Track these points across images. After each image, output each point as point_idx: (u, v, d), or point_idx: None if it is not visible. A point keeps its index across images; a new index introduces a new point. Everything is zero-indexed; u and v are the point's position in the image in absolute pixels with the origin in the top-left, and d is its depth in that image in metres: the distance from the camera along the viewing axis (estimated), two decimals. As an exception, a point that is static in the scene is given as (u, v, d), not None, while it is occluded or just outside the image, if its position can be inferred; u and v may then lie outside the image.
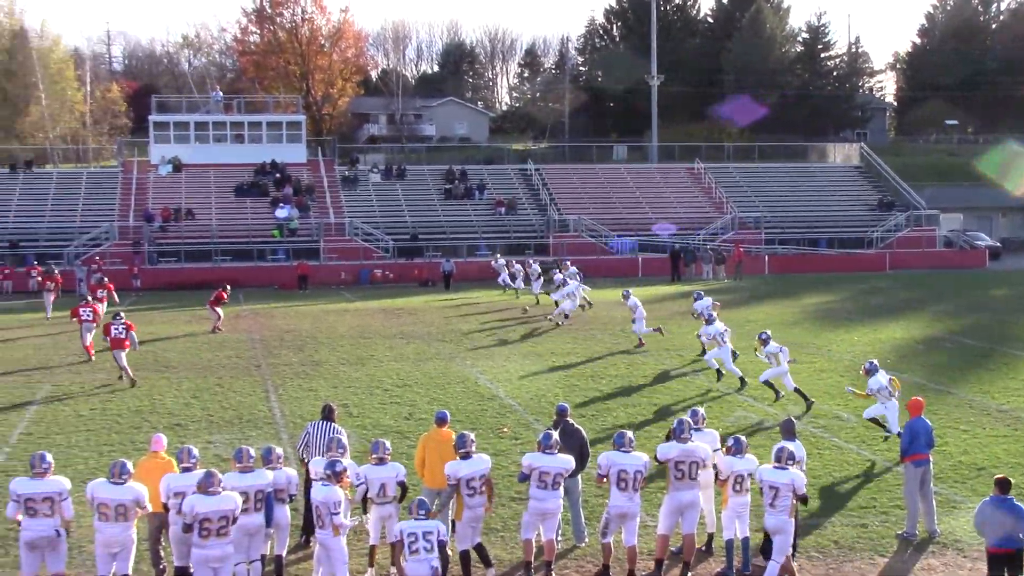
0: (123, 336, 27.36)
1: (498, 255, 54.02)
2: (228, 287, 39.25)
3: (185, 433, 21.29)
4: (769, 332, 24.88)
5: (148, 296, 46.63)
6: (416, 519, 12.24)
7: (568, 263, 48.65)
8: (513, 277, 48.77)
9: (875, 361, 20.56)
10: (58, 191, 65.93)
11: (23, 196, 64.97)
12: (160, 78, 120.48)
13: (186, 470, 12.97)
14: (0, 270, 54.83)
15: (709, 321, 27.38)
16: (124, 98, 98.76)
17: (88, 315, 30.80)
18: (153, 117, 71.22)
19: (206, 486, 12.13)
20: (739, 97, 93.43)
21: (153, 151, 69.98)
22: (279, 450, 13.88)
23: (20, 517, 12.55)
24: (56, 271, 44.38)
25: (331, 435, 14.66)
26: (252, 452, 13.40)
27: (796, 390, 23.81)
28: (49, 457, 12.89)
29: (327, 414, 15.48)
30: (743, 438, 14.21)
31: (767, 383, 23.99)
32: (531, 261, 50.82)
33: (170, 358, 31.19)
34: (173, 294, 51.78)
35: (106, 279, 38.88)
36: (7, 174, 67.88)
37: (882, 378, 19.71)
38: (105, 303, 37.69)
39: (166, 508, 12.88)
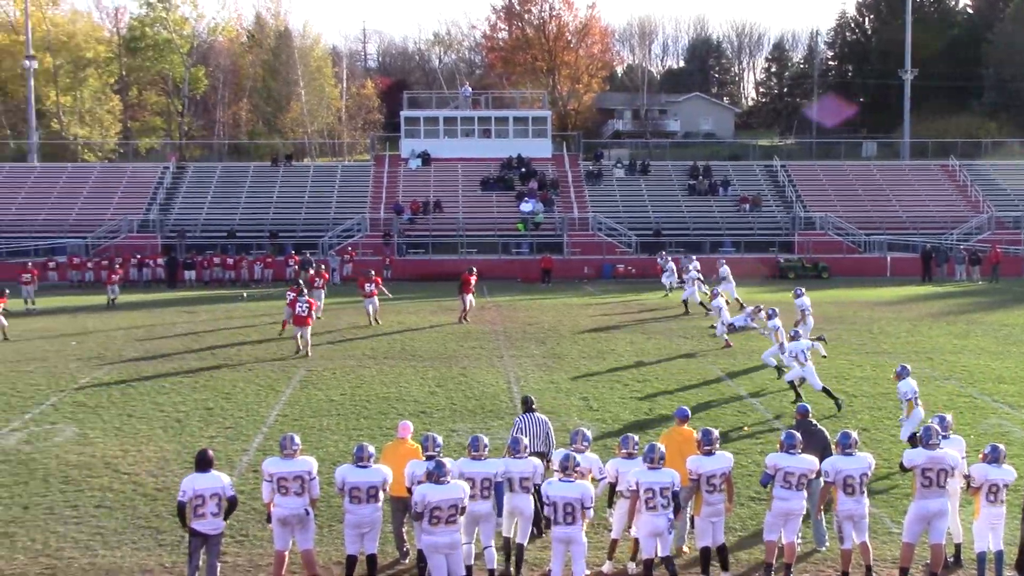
0: (306, 314, 30.43)
1: (663, 252, 52.86)
2: (474, 268, 39.56)
3: (430, 421, 21.76)
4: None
5: (396, 286, 47.93)
6: (651, 468, 12.74)
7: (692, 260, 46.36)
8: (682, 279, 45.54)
9: None
10: (315, 184, 68.63)
11: (283, 188, 67.89)
12: (412, 74, 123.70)
13: (430, 458, 13.23)
14: (261, 259, 57.39)
15: (795, 337, 24.58)
16: (378, 94, 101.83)
17: (303, 309, 31.09)
18: (404, 113, 73.25)
19: (437, 476, 12.36)
20: (998, 90, 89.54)
21: (404, 145, 71.95)
22: (526, 440, 14.03)
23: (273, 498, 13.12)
24: (322, 267, 44.70)
25: (540, 427, 15.13)
26: (486, 441, 13.62)
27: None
28: (298, 439, 13.40)
29: (529, 406, 15.68)
30: (1001, 446, 13.48)
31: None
32: (693, 258, 47.89)
33: (416, 347, 31.95)
34: (420, 285, 53.08)
35: (373, 272, 39.28)
36: (269, 167, 71.14)
37: None
38: (317, 296, 38.34)
39: (410, 493, 13.17)
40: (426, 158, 70.17)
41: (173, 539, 14.62)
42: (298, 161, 76.94)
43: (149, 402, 23.99)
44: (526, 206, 63.97)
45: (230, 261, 56.94)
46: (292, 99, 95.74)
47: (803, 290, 31.95)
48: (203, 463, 12.80)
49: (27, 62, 75.93)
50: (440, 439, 13.68)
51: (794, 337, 24.39)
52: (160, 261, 57.20)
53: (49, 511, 16.11)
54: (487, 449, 13.55)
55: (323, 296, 39.48)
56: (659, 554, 12.93)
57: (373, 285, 36.96)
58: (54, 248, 59.75)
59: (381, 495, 13.03)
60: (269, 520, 13.25)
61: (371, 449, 13.23)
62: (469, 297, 37.90)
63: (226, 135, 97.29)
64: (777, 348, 26.13)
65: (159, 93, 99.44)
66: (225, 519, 12.79)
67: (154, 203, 65.75)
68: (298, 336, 30.67)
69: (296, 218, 64.24)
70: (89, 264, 56.58)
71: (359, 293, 37.95)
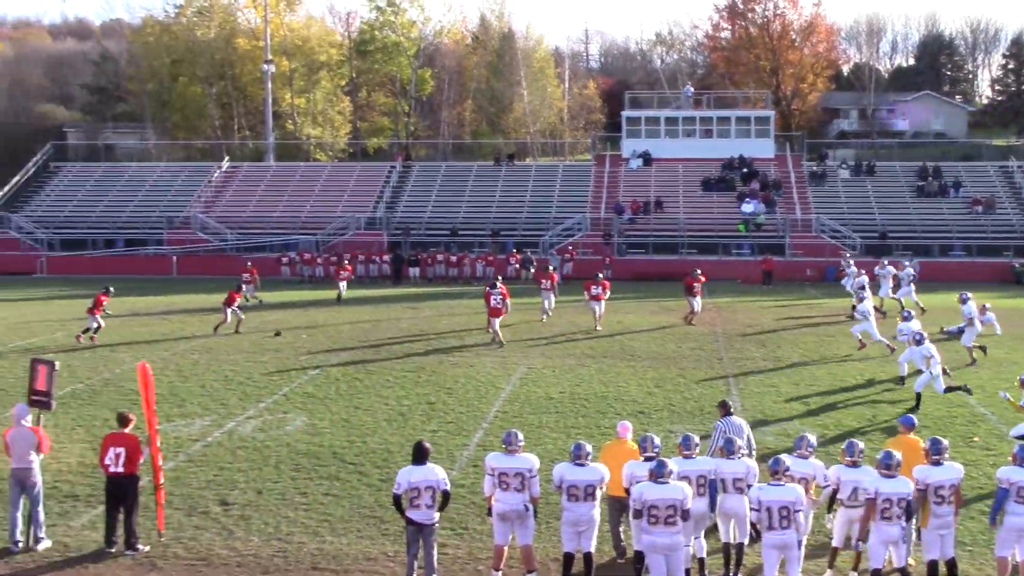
0: (500, 306, 31.87)
1: (847, 255, 50.72)
2: (698, 271, 38.91)
3: (648, 421, 21.71)
4: None
5: (617, 286, 47.91)
6: (887, 476, 12.48)
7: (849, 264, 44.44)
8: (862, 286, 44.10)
9: None
10: (536, 183, 69.26)
11: (505, 187, 68.78)
12: (633, 75, 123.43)
13: (648, 459, 13.19)
14: (483, 257, 58.31)
15: (919, 341, 23.77)
16: (599, 95, 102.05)
17: (497, 301, 32.56)
18: (626, 113, 73.15)
19: (657, 475, 12.30)
20: None
21: (624, 145, 71.89)
22: (740, 441, 13.88)
23: (494, 492, 13.32)
24: (550, 268, 44.05)
25: (740, 431, 15.00)
26: (696, 440, 13.57)
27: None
28: (521, 436, 13.57)
29: (728, 409, 15.65)
30: None
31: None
32: (906, 263, 45.38)
33: (635, 347, 31.90)
34: (640, 285, 52.97)
35: (602, 276, 38.91)
36: (492, 167, 72.21)
37: None
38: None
39: (628, 493, 13.16)
40: (647, 158, 69.98)
41: (396, 529, 15.00)
42: (520, 161, 77.89)
43: (374, 395, 24.69)
44: (747, 207, 63.05)
45: (453, 258, 58.05)
46: (515, 99, 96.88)
47: (969, 295, 30.64)
48: (419, 455, 13.10)
49: (265, 66, 79.27)
50: (658, 440, 13.64)
51: (919, 341, 23.76)
52: (386, 258, 58.79)
53: (281, 497, 16.77)
54: (697, 448, 13.51)
55: (552, 297, 38.93)
56: (894, 564, 12.62)
57: (600, 288, 35.93)
58: (287, 244, 62.13)
59: (598, 494, 13.09)
60: (489, 513, 13.46)
61: (589, 448, 13.29)
62: (696, 300, 37.44)
63: (450, 135, 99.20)
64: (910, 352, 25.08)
65: (387, 94, 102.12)
66: (440, 511, 13.06)
67: (381, 201, 67.59)
68: (495, 326, 32.27)
69: (517, 217, 64.99)
70: (319, 260, 58.61)
71: (584, 295, 38.00)
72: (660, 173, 68.72)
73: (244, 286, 43.12)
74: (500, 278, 37.54)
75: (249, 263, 47.22)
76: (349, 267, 50.57)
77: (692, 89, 78.38)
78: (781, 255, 58.76)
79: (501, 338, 32.23)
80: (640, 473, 12.94)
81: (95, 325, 33.31)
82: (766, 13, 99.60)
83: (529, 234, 62.44)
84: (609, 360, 29.47)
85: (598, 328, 35.18)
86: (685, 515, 12.21)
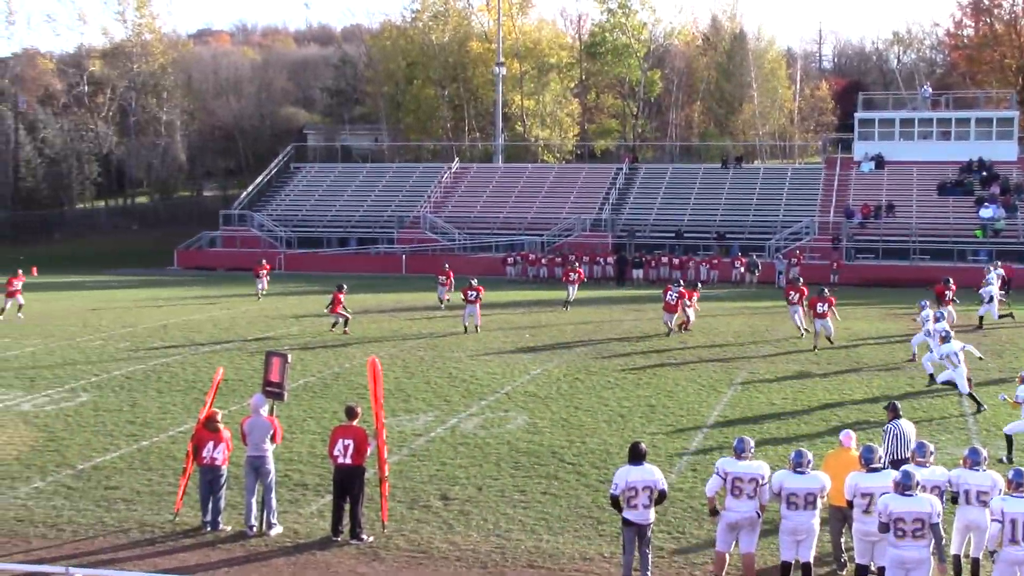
0: (674, 303, 34.55)
1: (997, 263, 46.96)
2: (950, 279, 36.96)
3: (873, 431, 21.08)
4: None
5: (844, 291, 46.73)
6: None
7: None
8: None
9: None
10: (764, 186, 68.26)
11: (732, 190, 68.00)
12: (868, 75, 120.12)
13: (873, 470, 12.82)
14: (707, 260, 57.78)
15: (946, 339, 24.17)
16: (831, 95, 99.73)
17: (672, 298, 34.75)
18: (859, 114, 71.25)
19: (903, 487, 11.93)
20: None
21: (856, 148, 70.03)
22: (985, 452, 13.36)
23: (718, 496, 13.22)
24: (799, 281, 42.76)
25: (908, 435, 15.13)
26: (931, 448, 13.29)
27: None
28: (752, 443, 13.43)
29: (896, 412, 15.61)
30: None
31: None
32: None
33: (861, 355, 31.04)
34: (870, 291, 51.50)
35: (827, 291, 36.73)
36: (719, 169, 71.50)
37: None
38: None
39: (850, 504, 12.83)
40: (880, 161, 67.95)
41: (613, 530, 15.03)
42: (748, 163, 76.86)
43: (594, 396, 24.79)
44: (986, 212, 60.46)
45: (676, 261, 57.73)
46: (744, 101, 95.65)
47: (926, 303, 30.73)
48: (636, 456, 13.12)
49: (497, 68, 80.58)
50: (881, 450, 13.27)
51: (945, 339, 24.18)
52: (610, 259, 58.94)
53: (500, 494, 17.02)
54: (933, 456, 13.15)
55: (800, 312, 34.49)
56: None
57: (826, 305, 32.12)
58: (513, 245, 63.02)
59: (819, 503, 12.83)
60: (712, 514, 13.36)
61: (810, 455, 13.04)
62: (948, 309, 35.15)
63: (678, 136, 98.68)
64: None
65: (615, 96, 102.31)
66: (655, 507, 13.08)
67: (607, 203, 67.80)
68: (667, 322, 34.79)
69: (744, 219, 64.21)
70: (543, 261, 59.21)
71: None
72: (893, 176, 66.68)
73: (440, 287, 43.20)
74: (681, 280, 39.60)
75: (446, 265, 46.84)
76: (580, 271, 49.80)
77: (930, 89, 75.64)
78: (1021, 262, 56.10)
79: (671, 326, 34.91)
80: (867, 484, 12.59)
81: (344, 319, 35.14)
82: (1014, 9, 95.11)
83: (755, 237, 61.62)
84: (834, 367, 28.76)
85: (818, 344, 32.41)
86: (935, 529, 11.80)
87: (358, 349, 31.75)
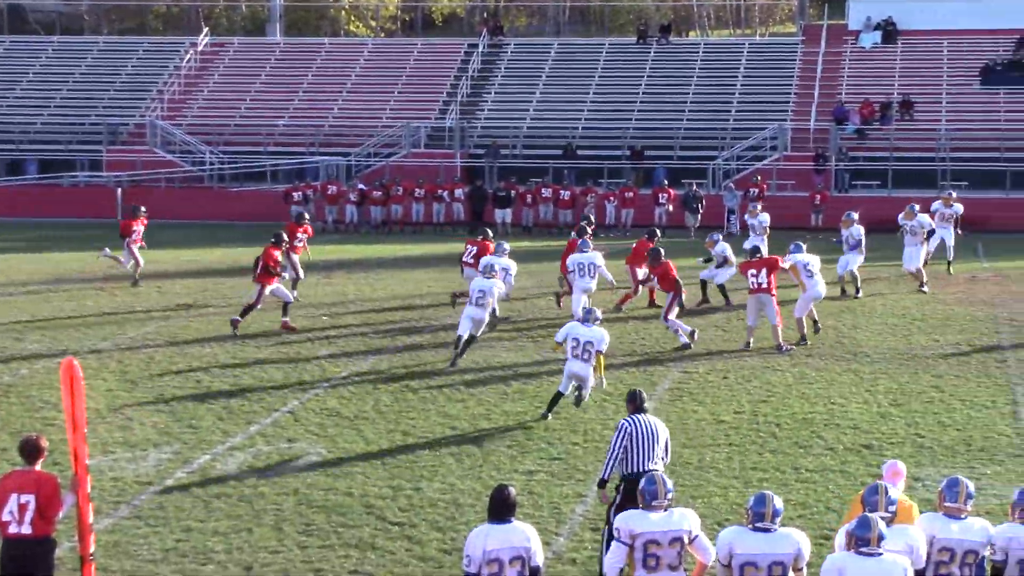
0: None
1: None
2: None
3: (878, 462, 21.55)
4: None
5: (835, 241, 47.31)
6: None
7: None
8: None
9: None
10: (705, 73, 68.97)
11: (654, 80, 68.52)
12: None
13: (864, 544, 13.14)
14: (619, 193, 58.21)
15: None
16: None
17: None
18: (855, -43, 72.42)
19: (859, 541, 12.27)
20: None
21: (852, 10, 71.11)
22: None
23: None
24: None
25: (650, 433, 16.48)
26: (969, 488, 13.63)
27: None
28: (670, 483, 13.60)
29: (638, 405, 17.00)
30: None
31: None
32: None
33: (862, 341, 31.70)
34: (873, 238, 52.41)
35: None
36: (633, 45, 71.97)
37: None
38: None
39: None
40: (889, 30, 69.16)
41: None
42: (679, 36, 77.55)
43: (434, 413, 24.89)
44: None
45: (566, 195, 57.82)
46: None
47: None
48: (500, 508, 12.90)
49: None
50: (895, 492, 13.64)
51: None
52: (459, 193, 59.01)
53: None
54: (972, 501, 13.53)
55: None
56: None
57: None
58: (301, 171, 62.54)
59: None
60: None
61: (778, 503, 13.16)
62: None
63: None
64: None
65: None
66: None
67: (453, 101, 67.73)
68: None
69: (674, 127, 64.63)
70: (351, 197, 58.93)
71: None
72: (909, 55, 67.98)
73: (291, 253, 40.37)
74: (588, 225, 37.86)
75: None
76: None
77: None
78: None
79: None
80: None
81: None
82: None
83: (692, 156, 62.16)
84: (819, 361, 29.34)
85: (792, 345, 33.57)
86: None
87: (42, 343, 31.37)
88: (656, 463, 16.25)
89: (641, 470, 15.83)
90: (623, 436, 16.60)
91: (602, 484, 16.88)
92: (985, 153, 60.47)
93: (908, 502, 14.03)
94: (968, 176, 59.00)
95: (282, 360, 29.64)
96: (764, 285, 30.58)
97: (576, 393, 24.55)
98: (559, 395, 24.25)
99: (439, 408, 25.32)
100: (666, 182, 58.75)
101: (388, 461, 21.86)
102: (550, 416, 24.17)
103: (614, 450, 16.53)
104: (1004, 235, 53.21)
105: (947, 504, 13.48)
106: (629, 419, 16.74)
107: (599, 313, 24.22)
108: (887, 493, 13.34)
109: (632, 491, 14.87)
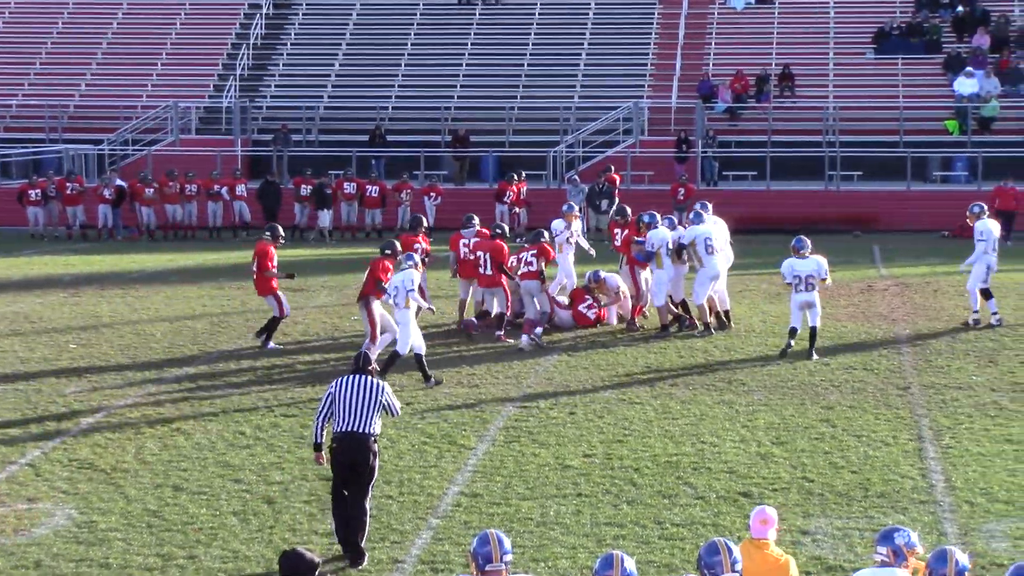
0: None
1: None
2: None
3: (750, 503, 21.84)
4: None
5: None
6: None
7: None
8: None
9: None
10: (541, 38, 69.37)
11: (480, 47, 69.01)
12: None
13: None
14: (435, 188, 58.40)
15: None
16: None
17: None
18: None
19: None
20: None
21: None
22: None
23: None
24: None
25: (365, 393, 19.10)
26: (908, 537, 13.85)
27: None
28: (508, 543, 13.74)
29: (360, 364, 19.59)
30: None
31: None
32: None
33: (737, 368, 32.06)
34: (747, 240, 52.91)
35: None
36: (454, 5, 72.36)
37: None
38: None
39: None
40: (765, -11, 70.19)
41: None
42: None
43: (212, 458, 24.94)
44: (964, 85, 62.98)
45: (374, 191, 57.95)
46: None
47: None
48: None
49: None
50: None
51: None
52: (242, 189, 58.84)
53: None
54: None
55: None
56: None
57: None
58: (37, 162, 62.07)
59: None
60: None
61: (630, 566, 13.29)
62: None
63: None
64: None
65: None
66: None
67: (232, 75, 67.55)
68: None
69: (504, 105, 64.92)
70: (106, 194, 58.60)
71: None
72: (789, 18, 68.86)
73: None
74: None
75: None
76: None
77: None
78: (1033, 181, 58.75)
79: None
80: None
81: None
82: None
83: (526, 142, 62.44)
84: (685, 391, 29.62)
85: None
86: None
87: None
88: (373, 425, 19.46)
89: (349, 429, 19.20)
90: (327, 396, 19.74)
91: (317, 447, 19.96)
92: (881, 137, 61.16)
93: (784, 558, 14.23)
94: (861, 164, 59.70)
95: (18, 399, 29.38)
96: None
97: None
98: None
99: (218, 456, 25.25)
100: (516, 176, 57.87)
101: (155, 524, 21.73)
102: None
103: (320, 410, 19.81)
104: (903, 235, 53.93)
105: None
106: (339, 379, 19.39)
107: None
108: (730, 552, 13.44)
109: (339, 451, 19.31)
